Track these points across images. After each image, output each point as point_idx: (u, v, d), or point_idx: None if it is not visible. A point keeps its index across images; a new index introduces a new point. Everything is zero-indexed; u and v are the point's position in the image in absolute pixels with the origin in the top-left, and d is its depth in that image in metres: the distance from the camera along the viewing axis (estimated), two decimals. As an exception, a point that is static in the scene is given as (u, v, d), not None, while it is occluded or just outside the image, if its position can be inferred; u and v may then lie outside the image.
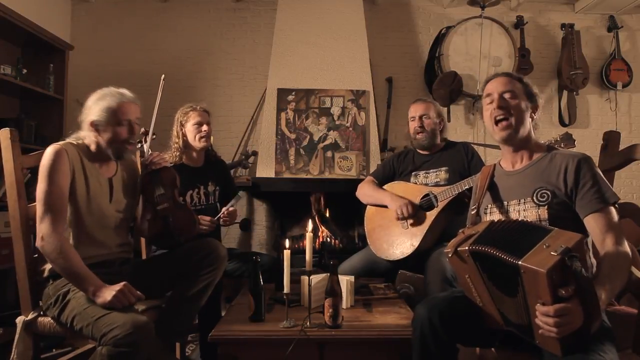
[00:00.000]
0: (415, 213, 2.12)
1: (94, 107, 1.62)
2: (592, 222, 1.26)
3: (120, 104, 1.63)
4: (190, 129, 2.28)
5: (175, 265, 1.74)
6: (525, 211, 1.36)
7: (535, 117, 1.44)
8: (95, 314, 1.40)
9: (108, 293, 1.42)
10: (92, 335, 1.39)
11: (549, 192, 1.32)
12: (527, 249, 1.08)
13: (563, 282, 1.02)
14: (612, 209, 1.26)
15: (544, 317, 1.04)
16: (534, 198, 1.34)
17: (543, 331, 1.05)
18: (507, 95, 1.40)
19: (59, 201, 1.50)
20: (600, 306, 1.05)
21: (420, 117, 2.28)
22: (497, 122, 1.40)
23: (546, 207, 1.32)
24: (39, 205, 1.49)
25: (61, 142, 1.59)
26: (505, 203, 1.43)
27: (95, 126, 1.62)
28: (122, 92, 1.67)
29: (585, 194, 1.27)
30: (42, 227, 1.47)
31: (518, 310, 1.16)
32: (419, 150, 2.35)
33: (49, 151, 1.54)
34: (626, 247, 1.22)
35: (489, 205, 1.48)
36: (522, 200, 1.38)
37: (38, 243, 1.47)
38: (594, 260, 1.32)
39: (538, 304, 1.06)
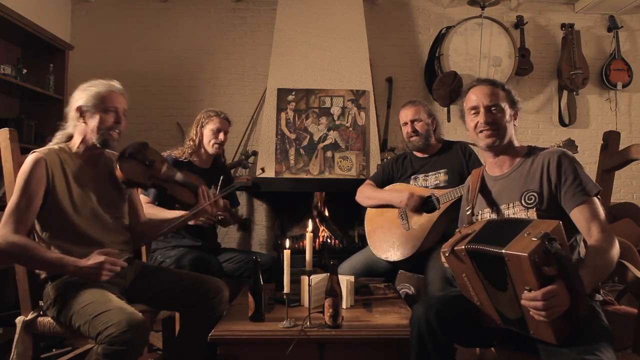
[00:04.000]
0: (421, 206, 2.13)
1: (82, 94, 1.64)
2: (577, 215, 1.29)
3: (109, 92, 1.66)
4: (207, 132, 2.35)
5: (181, 290, 1.70)
6: (515, 215, 1.39)
7: (516, 122, 1.47)
8: (93, 312, 1.39)
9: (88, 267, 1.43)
10: (89, 334, 1.39)
11: (535, 194, 1.36)
12: (510, 239, 1.13)
13: (546, 264, 1.07)
14: (595, 200, 1.30)
15: (532, 302, 1.07)
16: (522, 201, 1.38)
17: (533, 314, 1.08)
18: (493, 109, 1.42)
19: (25, 214, 1.48)
20: (584, 285, 1.08)
21: (412, 122, 2.27)
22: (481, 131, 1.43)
23: (534, 209, 1.35)
24: (6, 212, 1.47)
25: (43, 149, 1.58)
26: (495, 207, 1.46)
27: (81, 112, 1.62)
28: (112, 83, 1.70)
29: (568, 189, 1.31)
30: (2, 232, 1.45)
31: (512, 304, 1.17)
32: (415, 153, 2.34)
33: (28, 159, 1.53)
34: (610, 233, 1.25)
35: (482, 210, 1.50)
36: (511, 204, 1.41)
37: None
38: (583, 250, 1.35)
39: (525, 291, 1.09)
